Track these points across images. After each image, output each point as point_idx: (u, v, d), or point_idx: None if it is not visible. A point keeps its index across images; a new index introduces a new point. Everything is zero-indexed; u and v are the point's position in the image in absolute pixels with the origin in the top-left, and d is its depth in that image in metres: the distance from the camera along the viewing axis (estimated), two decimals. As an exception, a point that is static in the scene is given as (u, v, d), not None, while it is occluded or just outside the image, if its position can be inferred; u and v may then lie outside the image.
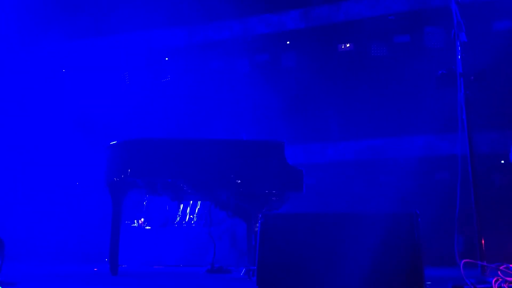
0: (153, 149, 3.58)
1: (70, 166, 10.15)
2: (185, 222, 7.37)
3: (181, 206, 7.26)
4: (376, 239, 1.95)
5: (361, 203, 10.36)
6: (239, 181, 3.45)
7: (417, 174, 10.52)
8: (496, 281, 2.07)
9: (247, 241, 4.81)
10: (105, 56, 11.15)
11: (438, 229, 9.78)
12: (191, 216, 7.33)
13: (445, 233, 9.91)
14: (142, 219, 7.74)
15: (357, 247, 1.96)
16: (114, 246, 3.77)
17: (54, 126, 10.55)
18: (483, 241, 2.39)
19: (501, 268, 2.15)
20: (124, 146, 3.64)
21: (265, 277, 1.98)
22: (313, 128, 10.47)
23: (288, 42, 10.25)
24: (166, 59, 10.89)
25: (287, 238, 2.03)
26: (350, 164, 10.61)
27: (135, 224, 7.70)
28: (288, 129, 10.33)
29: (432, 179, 10.58)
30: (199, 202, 7.00)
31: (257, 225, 3.49)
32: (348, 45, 9.87)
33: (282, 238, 2.03)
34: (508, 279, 2.04)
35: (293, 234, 2.03)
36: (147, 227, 7.70)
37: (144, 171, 3.57)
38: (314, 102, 10.23)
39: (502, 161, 10.07)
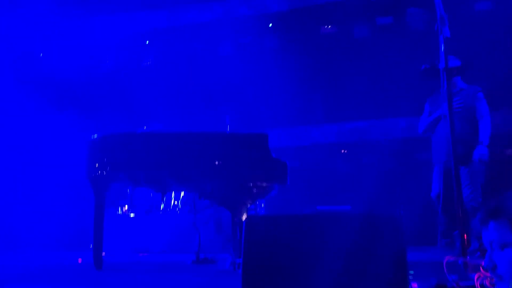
0: (134, 142, 3.53)
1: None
2: (170, 208, 7.35)
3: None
4: (360, 240, 1.95)
5: (345, 184, 10.46)
6: (223, 174, 3.43)
7: (400, 155, 10.64)
8: (478, 277, 2.10)
9: (232, 231, 4.81)
10: (83, 39, 10.89)
11: (419, 208, 9.97)
12: (176, 203, 7.31)
13: (426, 213, 10.13)
14: (126, 206, 7.69)
15: (342, 248, 1.96)
16: (97, 241, 3.74)
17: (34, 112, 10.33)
18: (465, 236, 2.41)
19: (483, 264, 2.18)
20: (105, 141, 3.57)
21: (250, 279, 1.97)
22: (297, 111, 10.45)
23: (270, 25, 10.12)
24: (147, 42, 10.69)
25: (272, 239, 2.02)
26: (334, 146, 10.65)
27: (119, 212, 7.66)
28: (272, 112, 10.29)
29: (414, 159, 10.71)
30: (183, 190, 6.98)
31: (242, 216, 3.48)
32: (329, 26, 9.80)
33: (267, 240, 2.02)
34: (489, 275, 2.07)
35: (278, 235, 2.02)
36: (131, 214, 7.66)
37: (125, 164, 3.52)
38: (298, 85, 10.18)
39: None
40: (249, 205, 3.50)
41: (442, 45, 2.26)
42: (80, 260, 5.42)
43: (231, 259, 4.19)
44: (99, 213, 3.74)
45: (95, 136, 3.65)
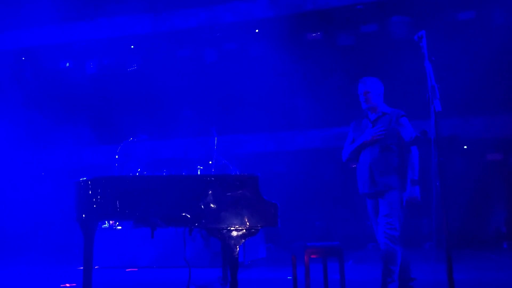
0: (123, 185, 3.51)
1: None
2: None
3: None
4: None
5: (331, 189, 10.58)
6: (212, 218, 3.45)
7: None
8: None
9: (222, 255, 4.85)
10: (69, 43, 10.74)
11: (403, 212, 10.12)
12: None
13: (410, 216, 10.28)
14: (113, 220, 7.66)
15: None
16: (87, 280, 3.73)
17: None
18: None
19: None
20: (94, 183, 3.55)
21: None
22: (283, 117, 10.50)
23: (257, 31, 10.10)
24: (132, 47, 10.58)
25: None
26: (319, 151, 10.74)
27: (106, 225, 7.63)
28: (258, 118, 10.33)
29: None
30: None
31: (232, 248, 3.52)
32: (316, 34, 9.82)
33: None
34: None
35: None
36: (118, 227, 7.64)
37: (114, 207, 3.51)
38: (283, 91, 10.22)
39: (465, 147, 10.42)
40: (239, 242, 3.53)
41: (433, 117, 2.29)
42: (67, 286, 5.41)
43: (221, 292, 4.24)
44: (88, 251, 3.73)
45: (84, 178, 3.64)
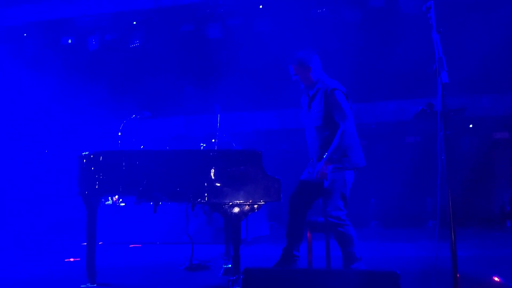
0: (126, 160, 3.47)
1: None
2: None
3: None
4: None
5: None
6: (215, 193, 3.41)
7: (389, 138, 10.72)
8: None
9: (225, 231, 4.85)
10: (71, 18, 10.59)
11: (407, 190, 10.12)
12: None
13: (414, 195, 10.26)
14: (117, 196, 7.66)
15: (338, 303, 1.97)
16: (90, 256, 3.73)
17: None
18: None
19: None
20: (97, 157, 3.51)
21: (248, 333, 1.99)
22: (286, 94, 10.37)
23: (260, 6, 9.92)
24: (134, 23, 10.43)
25: (269, 293, 2.02)
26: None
27: (109, 202, 7.63)
28: (261, 95, 10.23)
29: (403, 142, 10.81)
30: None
31: (235, 222, 3.49)
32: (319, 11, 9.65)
33: (264, 293, 2.03)
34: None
35: (275, 289, 2.03)
36: (122, 204, 7.65)
37: (117, 182, 3.48)
38: (286, 68, 10.08)
39: (471, 125, 10.31)
40: (242, 217, 3.50)
41: (440, 89, 2.22)
42: (71, 259, 5.44)
43: (223, 268, 4.23)
44: (91, 226, 3.72)
45: (86, 152, 3.60)
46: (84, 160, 3.61)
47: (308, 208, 3.81)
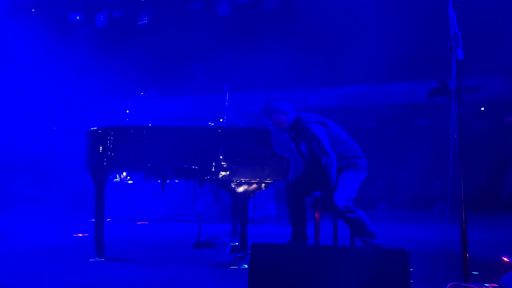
0: (134, 135, 3.45)
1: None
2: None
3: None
4: (366, 273, 1.95)
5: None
6: (223, 170, 3.39)
7: (399, 120, 10.61)
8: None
9: (232, 209, 4.85)
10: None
11: (416, 173, 10.07)
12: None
13: (423, 178, 10.18)
14: (124, 173, 7.69)
15: (346, 280, 1.96)
16: (98, 231, 3.74)
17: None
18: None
19: (484, 288, 2.20)
20: (105, 133, 3.49)
21: (255, 308, 1.99)
22: (296, 74, 10.28)
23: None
24: (142, 0, 10.32)
25: (276, 269, 2.01)
26: (332, 110, 10.55)
27: (117, 179, 7.67)
28: (269, 74, 10.13)
29: (413, 125, 10.70)
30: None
31: (243, 201, 3.48)
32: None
33: (271, 269, 2.02)
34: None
35: (283, 265, 2.02)
36: (130, 181, 7.68)
37: (125, 158, 3.46)
38: (297, 47, 9.97)
39: (482, 108, 10.18)
40: (250, 195, 3.48)
41: (455, 66, 2.16)
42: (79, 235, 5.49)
43: (231, 245, 4.24)
44: (99, 202, 3.73)
45: (95, 127, 3.58)
46: (92, 136, 3.59)
47: (307, 195, 3.81)
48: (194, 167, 3.40)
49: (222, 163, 3.39)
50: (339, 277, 1.96)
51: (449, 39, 2.46)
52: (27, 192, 9.34)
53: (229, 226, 5.06)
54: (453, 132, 2.28)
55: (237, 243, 3.97)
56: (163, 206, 7.29)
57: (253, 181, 3.41)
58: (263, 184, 3.46)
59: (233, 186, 3.42)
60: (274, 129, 3.75)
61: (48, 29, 10.07)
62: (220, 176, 3.40)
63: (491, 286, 2.31)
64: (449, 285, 2.18)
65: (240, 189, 3.43)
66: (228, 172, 3.39)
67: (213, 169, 3.38)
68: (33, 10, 10.60)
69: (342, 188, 3.52)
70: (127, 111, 6.11)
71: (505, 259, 2.48)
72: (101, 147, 3.51)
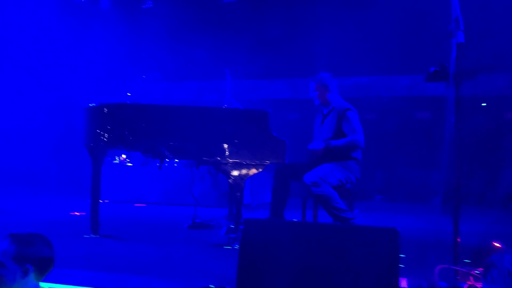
0: (132, 113, 3.46)
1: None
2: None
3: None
4: (357, 251, 1.97)
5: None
6: (220, 151, 3.40)
7: (399, 112, 10.59)
8: (469, 286, 2.14)
9: (229, 194, 4.86)
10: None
11: (414, 166, 10.08)
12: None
13: (421, 171, 10.20)
14: (124, 156, 7.71)
15: (336, 258, 1.98)
16: (94, 207, 3.76)
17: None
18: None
19: (473, 272, 2.22)
20: (104, 109, 3.50)
21: (245, 282, 2.01)
22: (299, 63, 10.25)
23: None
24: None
25: (268, 245, 2.03)
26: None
27: (117, 161, 7.68)
28: (273, 63, 10.10)
29: (413, 118, 10.68)
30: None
31: (239, 183, 3.49)
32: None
33: (263, 245, 2.03)
34: (479, 285, 2.12)
35: (275, 241, 2.03)
36: (129, 164, 7.70)
37: (123, 135, 3.47)
38: (301, 36, 9.92)
39: (484, 104, 10.16)
40: (245, 176, 3.50)
41: (455, 49, 2.15)
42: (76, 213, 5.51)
43: (226, 226, 4.26)
44: (96, 179, 3.74)
45: (93, 104, 3.58)
46: (91, 112, 3.60)
47: (294, 179, 3.81)
48: (191, 147, 3.41)
49: (219, 144, 3.40)
50: (329, 254, 1.97)
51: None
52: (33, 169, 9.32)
53: (226, 210, 5.09)
54: (449, 117, 2.28)
55: (232, 226, 3.99)
56: (161, 189, 7.32)
57: (250, 162, 3.42)
58: (260, 166, 3.47)
59: (229, 167, 3.43)
60: (311, 96, 4.15)
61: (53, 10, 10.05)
62: (216, 157, 3.41)
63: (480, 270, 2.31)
64: (438, 267, 2.20)
65: (237, 170, 3.44)
66: (224, 153, 3.40)
67: (209, 150, 3.39)
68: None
69: (320, 170, 3.56)
70: (128, 94, 6.11)
71: (497, 244, 2.50)
72: (98, 124, 3.52)
